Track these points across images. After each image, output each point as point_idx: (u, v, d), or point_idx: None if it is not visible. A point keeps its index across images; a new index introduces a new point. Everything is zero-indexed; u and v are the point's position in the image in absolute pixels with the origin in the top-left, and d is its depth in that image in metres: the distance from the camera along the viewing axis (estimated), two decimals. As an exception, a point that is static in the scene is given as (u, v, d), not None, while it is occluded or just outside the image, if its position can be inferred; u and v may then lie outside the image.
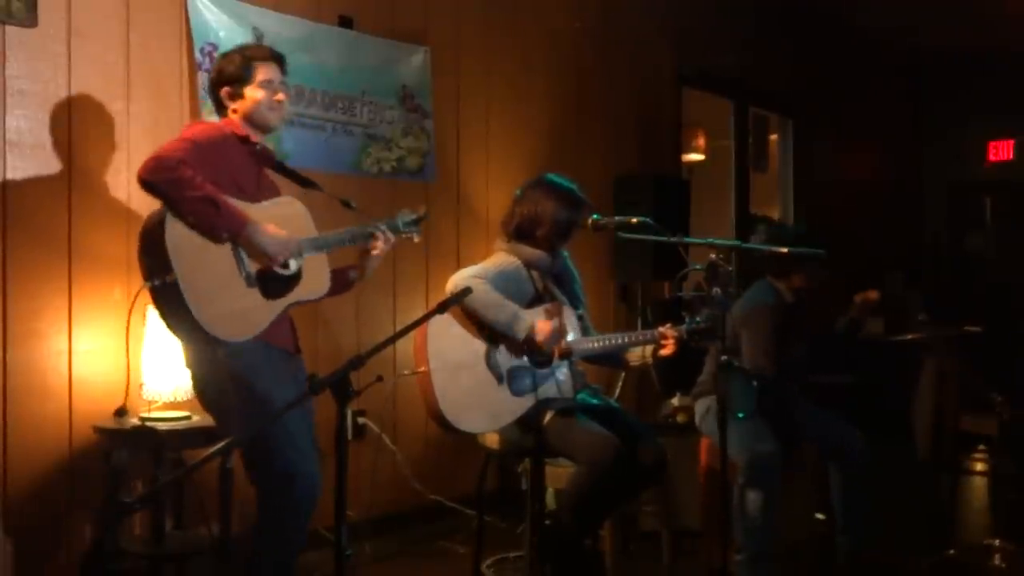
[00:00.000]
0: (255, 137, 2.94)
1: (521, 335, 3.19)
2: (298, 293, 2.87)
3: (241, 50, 2.99)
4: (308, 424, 2.90)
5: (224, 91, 2.93)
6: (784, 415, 3.74)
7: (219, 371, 2.75)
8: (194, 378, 2.86)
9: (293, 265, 2.84)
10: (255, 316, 2.75)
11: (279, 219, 2.86)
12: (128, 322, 2.93)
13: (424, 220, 3.22)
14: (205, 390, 2.84)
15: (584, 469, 3.15)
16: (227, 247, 2.71)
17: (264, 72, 2.94)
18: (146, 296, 2.75)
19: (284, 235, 2.79)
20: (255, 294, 2.76)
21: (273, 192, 3.01)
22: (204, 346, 2.72)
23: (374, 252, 3.04)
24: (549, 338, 3.22)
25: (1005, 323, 6.78)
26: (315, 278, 2.93)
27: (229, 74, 2.93)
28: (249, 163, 2.93)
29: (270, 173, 3.06)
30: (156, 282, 2.62)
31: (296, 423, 2.76)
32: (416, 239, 3.21)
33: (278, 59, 3.00)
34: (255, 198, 2.87)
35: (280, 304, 2.82)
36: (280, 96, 2.97)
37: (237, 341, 2.70)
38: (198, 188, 2.62)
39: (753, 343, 3.65)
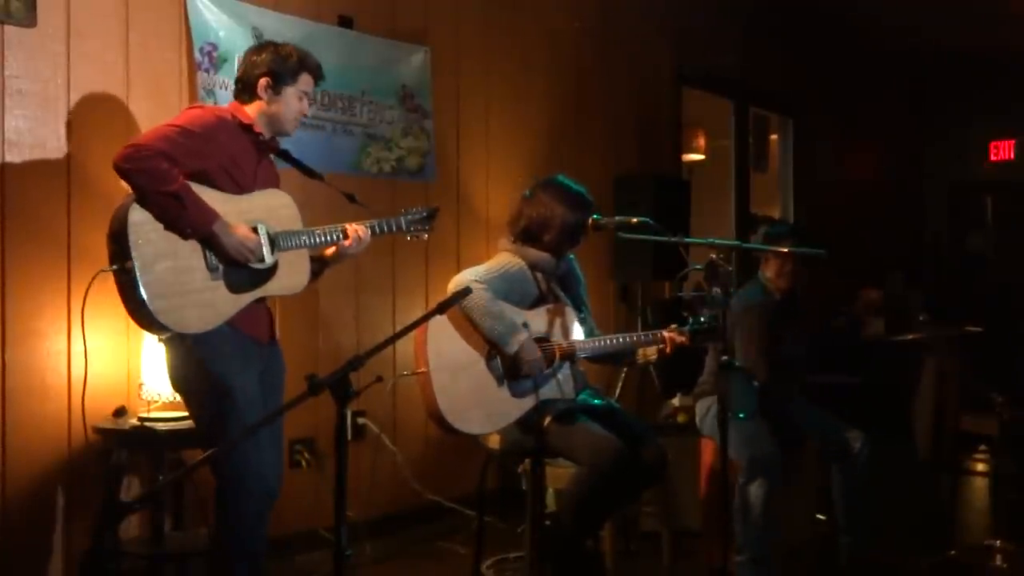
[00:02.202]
0: (259, 128, 2.92)
1: (509, 352, 3.17)
2: (270, 287, 2.85)
3: (298, 51, 2.97)
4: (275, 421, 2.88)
5: (264, 80, 2.90)
6: (783, 415, 3.74)
7: (185, 354, 2.75)
8: (166, 360, 2.84)
9: (268, 259, 2.82)
10: (216, 308, 2.74)
11: (265, 210, 2.86)
12: (83, 307, 2.86)
13: (435, 216, 3.18)
14: (172, 372, 2.83)
15: (585, 470, 3.15)
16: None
17: (307, 82, 2.98)
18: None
19: (253, 240, 2.77)
20: (219, 287, 2.75)
21: (271, 184, 2.98)
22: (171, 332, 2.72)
23: (348, 251, 3.00)
24: (532, 365, 3.18)
25: (1006, 323, 6.78)
26: (293, 272, 2.91)
27: (279, 68, 2.91)
28: (248, 151, 2.90)
29: (276, 163, 3.05)
30: (115, 267, 2.64)
31: (257, 414, 2.74)
32: (425, 237, 3.20)
33: (319, 76, 3.03)
34: (248, 188, 2.86)
35: (246, 297, 2.80)
36: (307, 111, 3.02)
37: (193, 333, 2.69)
38: (168, 183, 2.61)
39: (744, 344, 3.65)
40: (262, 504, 2.79)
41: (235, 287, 2.77)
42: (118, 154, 2.64)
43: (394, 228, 3.13)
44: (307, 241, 2.92)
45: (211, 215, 2.69)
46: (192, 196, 2.66)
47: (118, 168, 2.64)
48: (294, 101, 2.95)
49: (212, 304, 2.73)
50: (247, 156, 2.89)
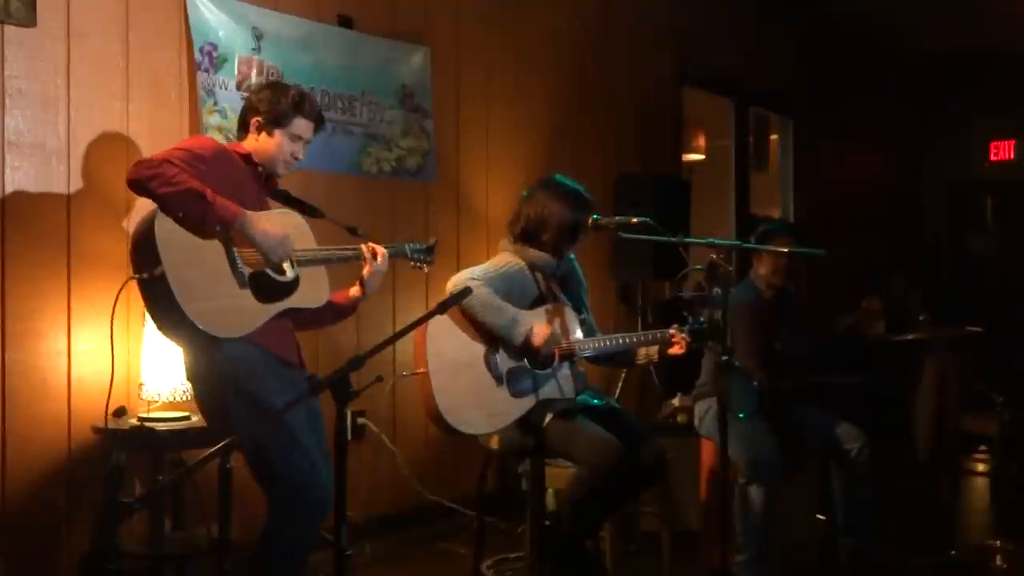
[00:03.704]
0: (257, 159, 2.94)
1: (519, 339, 3.17)
2: (295, 299, 2.85)
3: (297, 94, 2.95)
4: (319, 432, 2.87)
5: (256, 120, 2.91)
6: (783, 414, 3.73)
7: (217, 376, 2.73)
8: (193, 384, 2.84)
9: (289, 273, 2.83)
10: (246, 316, 2.73)
11: (280, 227, 2.84)
12: (112, 317, 2.86)
13: (434, 250, 3.22)
14: (204, 397, 2.81)
15: (585, 470, 3.15)
16: (221, 246, 2.70)
17: (302, 127, 2.95)
18: (137, 296, 2.73)
19: (280, 234, 2.77)
20: (247, 295, 2.74)
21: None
22: (199, 347, 2.70)
23: (365, 272, 3.02)
24: (546, 342, 3.20)
25: (1006, 323, 6.77)
26: (313, 288, 2.92)
27: (271, 110, 2.90)
28: (250, 182, 2.92)
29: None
30: (144, 275, 2.61)
31: (304, 431, 2.74)
32: (426, 270, 3.22)
33: (320, 123, 3.02)
34: (254, 209, 2.86)
35: (274, 308, 2.80)
36: (300, 155, 2.99)
37: (226, 336, 2.67)
38: (183, 182, 2.61)
39: (737, 343, 3.64)
40: (316, 518, 2.77)
41: (262, 297, 2.77)
42: (131, 171, 2.64)
43: (403, 254, 3.17)
44: (324, 257, 2.94)
45: (235, 207, 2.68)
46: (212, 192, 2.65)
47: (133, 181, 2.63)
48: (285, 143, 2.93)
49: (242, 311, 2.72)
50: (249, 184, 2.91)
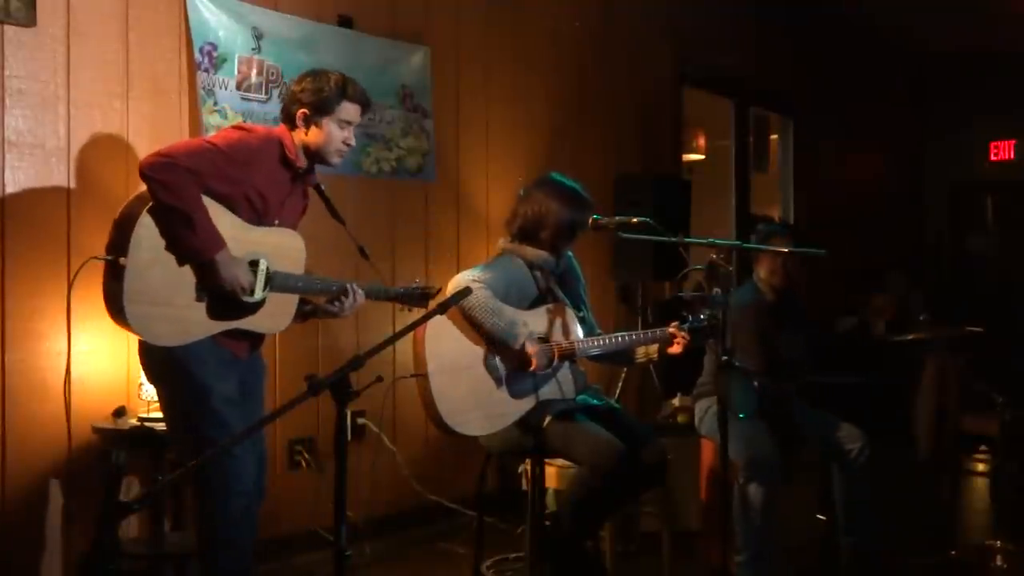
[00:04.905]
0: (301, 163, 2.90)
1: (517, 345, 3.16)
2: (249, 322, 2.83)
3: (340, 79, 2.90)
4: (255, 411, 2.90)
5: (302, 112, 2.87)
6: (783, 415, 3.73)
7: (162, 351, 2.73)
8: (140, 348, 2.84)
9: (258, 295, 2.81)
10: (186, 327, 2.72)
11: (271, 247, 2.84)
12: (68, 294, 2.87)
13: (431, 296, 3.17)
14: (149, 363, 2.83)
15: (585, 471, 3.14)
16: None
17: (349, 111, 2.92)
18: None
19: (245, 282, 2.74)
20: (200, 308, 2.73)
21: (296, 214, 2.99)
22: None
23: (337, 310, 2.98)
24: (538, 361, 3.17)
25: (1007, 323, 6.77)
26: (276, 313, 2.89)
27: (315, 99, 2.86)
28: (281, 183, 2.89)
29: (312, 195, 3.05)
30: (109, 257, 2.65)
31: (236, 418, 2.75)
32: (410, 312, 3.17)
33: (367, 106, 2.98)
34: (268, 218, 2.85)
35: (221, 326, 2.78)
36: (351, 141, 2.96)
37: (158, 344, 2.69)
38: (187, 204, 2.61)
39: (739, 345, 3.64)
40: (243, 501, 2.78)
41: (215, 313, 2.76)
42: (147, 161, 2.64)
43: (390, 296, 3.13)
44: (301, 287, 2.91)
45: (217, 244, 2.67)
46: (204, 223, 2.64)
47: (143, 175, 2.63)
48: (335, 131, 2.90)
49: (184, 322, 2.72)
50: (278, 187, 2.88)
